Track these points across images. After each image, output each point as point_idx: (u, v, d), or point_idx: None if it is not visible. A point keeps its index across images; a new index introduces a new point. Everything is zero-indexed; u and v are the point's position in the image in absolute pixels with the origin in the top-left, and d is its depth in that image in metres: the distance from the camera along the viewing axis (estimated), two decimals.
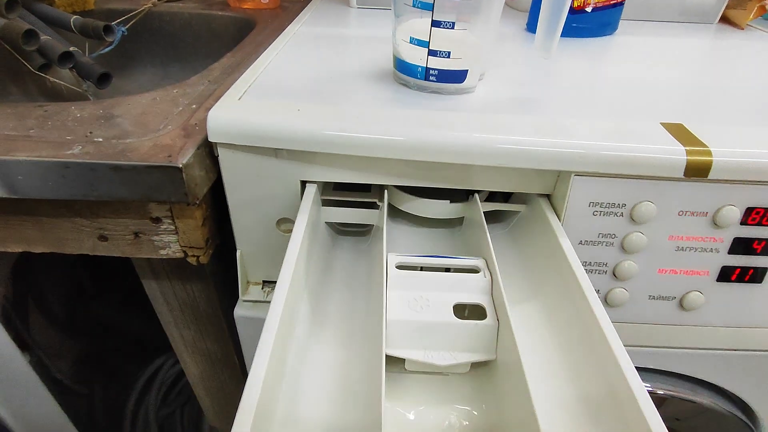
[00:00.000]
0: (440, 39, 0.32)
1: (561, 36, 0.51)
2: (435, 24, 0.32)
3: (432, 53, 0.33)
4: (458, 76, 0.34)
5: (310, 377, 0.26)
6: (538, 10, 0.55)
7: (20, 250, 0.36)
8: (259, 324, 0.39)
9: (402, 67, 0.35)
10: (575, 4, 0.51)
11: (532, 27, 0.54)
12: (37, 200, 0.32)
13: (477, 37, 0.33)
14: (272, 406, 0.23)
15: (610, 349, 0.23)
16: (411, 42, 0.33)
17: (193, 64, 0.74)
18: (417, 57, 0.34)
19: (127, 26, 0.65)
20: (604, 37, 0.53)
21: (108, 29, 0.61)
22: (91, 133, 0.33)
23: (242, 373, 0.50)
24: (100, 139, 0.32)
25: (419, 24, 0.32)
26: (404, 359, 0.26)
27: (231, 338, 0.47)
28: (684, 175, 0.30)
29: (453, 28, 0.32)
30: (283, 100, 0.33)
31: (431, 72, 0.34)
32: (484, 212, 0.32)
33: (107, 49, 0.63)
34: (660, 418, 0.20)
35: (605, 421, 0.22)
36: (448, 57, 0.33)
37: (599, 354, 0.23)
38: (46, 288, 0.84)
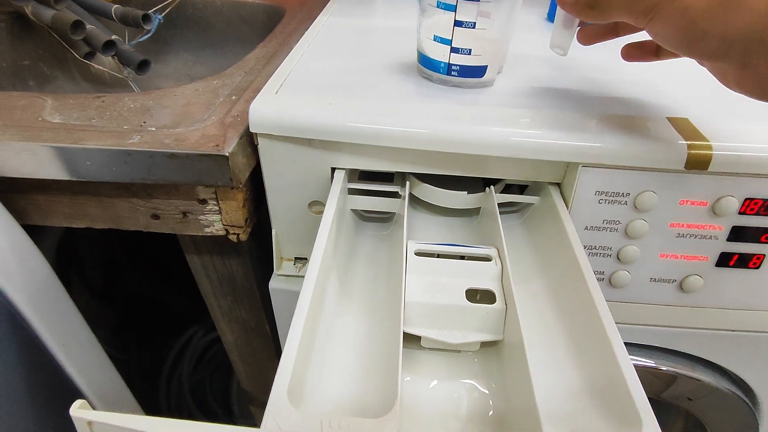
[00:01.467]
0: (462, 37, 0.35)
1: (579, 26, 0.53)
2: (457, 24, 0.34)
3: (454, 50, 0.35)
4: (478, 71, 0.37)
5: (335, 347, 0.29)
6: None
7: (83, 226, 0.40)
8: (290, 296, 0.43)
9: (425, 62, 0.38)
10: None
11: (552, 16, 0.56)
12: (100, 182, 0.37)
13: (497, 35, 0.35)
14: (304, 373, 0.26)
15: (603, 327, 0.26)
16: (435, 40, 0.36)
17: (224, 50, 0.78)
18: (440, 53, 0.36)
19: (162, 14, 0.69)
20: None
21: (146, 18, 0.64)
22: (144, 122, 0.37)
23: (273, 341, 0.54)
24: (153, 129, 0.36)
25: (443, 21, 0.35)
26: (420, 337, 0.29)
27: (264, 309, 0.51)
28: (685, 168, 0.32)
29: (474, 27, 0.34)
30: (315, 93, 0.36)
31: (453, 68, 0.36)
32: (500, 203, 0.35)
33: (145, 37, 0.67)
34: (645, 396, 0.22)
35: (601, 400, 0.25)
36: (470, 54, 0.35)
37: (595, 331, 0.26)
38: (87, 261, 0.91)
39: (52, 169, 0.34)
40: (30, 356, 0.38)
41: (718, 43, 0.24)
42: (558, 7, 0.35)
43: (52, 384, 0.41)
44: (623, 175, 0.33)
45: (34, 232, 0.40)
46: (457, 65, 0.36)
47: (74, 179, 0.35)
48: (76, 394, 0.44)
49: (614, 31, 0.35)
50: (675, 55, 0.31)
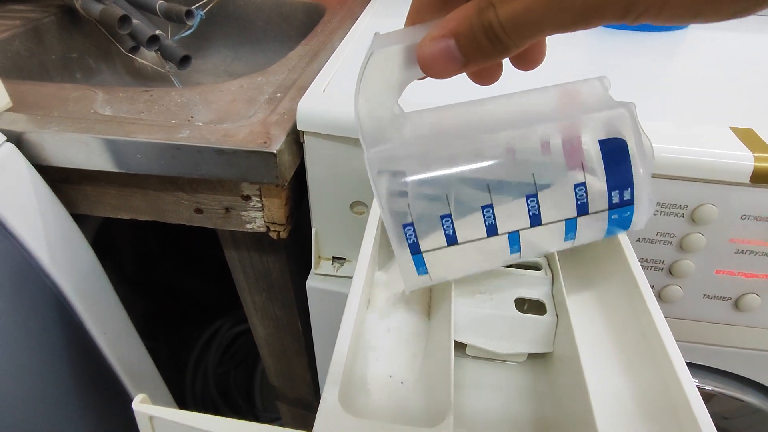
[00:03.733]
0: None
1: (630, 30, 0.51)
2: None
3: None
4: None
5: (382, 353, 0.28)
6: None
7: (129, 218, 0.41)
8: (327, 295, 0.43)
9: None
10: None
11: None
12: (147, 175, 0.37)
13: None
14: (350, 377, 0.26)
15: (664, 347, 0.24)
16: None
17: (262, 47, 0.78)
18: None
19: (204, 10, 0.70)
20: (675, 32, 0.52)
21: (189, 13, 0.65)
22: (192, 117, 0.37)
23: (305, 338, 0.54)
24: (200, 124, 0.36)
25: None
26: (465, 344, 0.28)
27: (297, 306, 0.51)
28: (750, 181, 0.31)
29: None
30: None
31: None
32: None
33: (187, 32, 0.68)
34: (710, 419, 0.22)
35: (658, 418, 0.24)
36: None
37: (653, 350, 0.25)
38: (122, 249, 0.93)
39: (102, 161, 0.35)
40: (75, 342, 0.39)
41: None
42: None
43: (93, 369, 0.42)
44: (682, 186, 0.32)
45: (77, 220, 0.41)
46: None
47: (123, 171, 0.35)
48: (115, 380, 0.45)
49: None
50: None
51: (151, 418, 0.17)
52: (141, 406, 0.17)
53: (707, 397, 0.44)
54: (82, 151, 0.35)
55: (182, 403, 0.99)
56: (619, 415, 0.24)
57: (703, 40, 0.50)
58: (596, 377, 0.26)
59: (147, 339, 0.96)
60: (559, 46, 0.47)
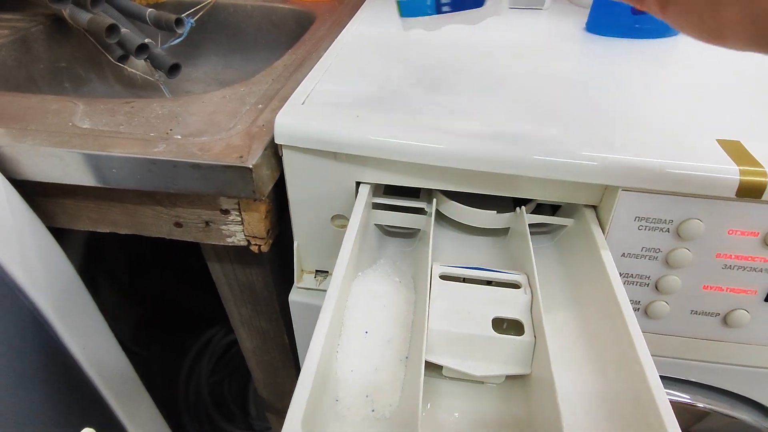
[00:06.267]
0: None
1: (622, 37, 0.51)
2: None
3: None
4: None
5: (354, 373, 0.28)
6: (600, 9, 0.54)
7: (108, 231, 0.40)
8: (310, 309, 0.42)
9: (408, 8, 0.31)
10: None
11: (592, 27, 0.54)
12: (125, 189, 0.36)
13: None
14: (320, 397, 0.25)
15: (641, 366, 0.24)
16: None
17: (252, 55, 0.78)
18: None
19: (195, 18, 0.69)
20: (667, 39, 0.52)
21: (179, 21, 0.65)
22: (171, 130, 0.36)
23: (291, 352, 0.54)
24: (179, 137, 0.36)
25: None
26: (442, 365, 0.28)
27: (282, 319, 0.50)
28: (736, 195, 0.30)
29: None
30: (342, 105, 0.35)
31: (443, 2, 0.30)
32: (530, 224, 0.33)
33: (177, 41, 0.68)
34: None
35: None
36: None
37: (630, 370, 0.25)
38: (113, 260, 0.92)
39: (79, 175, 0.34)
40: (51, 359, 0.38)
41: None
42: None
43: (72, 386, 0.41)
44: (667, 200, 0.31)
45: (63, 230, 0.41)
46: None
47: (99, 186, 0.35)
48: (95, 395, 0.44)
49: None
50: None
51: None
52: None
53: (701, 415, 0.43)
54: (58, 165, 0.34)
55: (175, 412, 0.98)
56: None
57: (695, 47, 0.49)
58: (570, 399, 0.25)
59: (140, 347, 0.95)
60: (546, 51, 0.47)
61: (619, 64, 0.44)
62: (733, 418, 0.43)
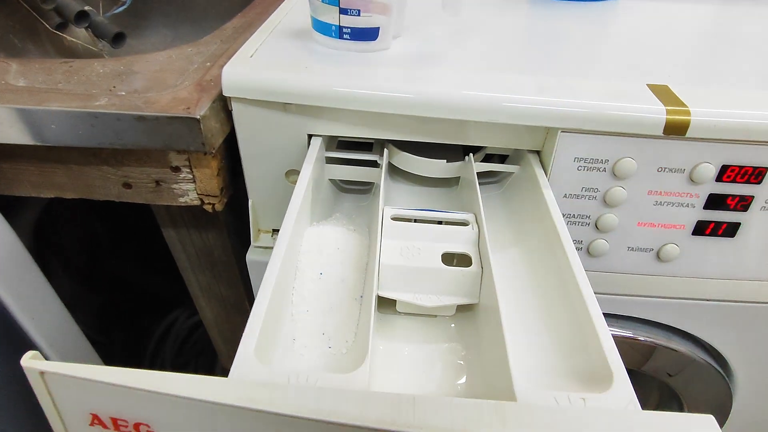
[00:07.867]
0: None
1: (568, 0, 0.53)
2: None
3: (343, 11, 0.34)
4: (370, 34, 0.35)
5: (307, 314, 0.28)
6: None
7: (52, 196, 0.39)
8: None
9: (318, 26, 0.36)
10: None
11: None
12: (68, 149, 0.35)
13: None
14: (273, 336, 0.26)
15: (579, 290, 0.25)
16: (323, 1, 0.34)
17: (203, 25, 0.75)
18: (330, 16, 0.35)
19: None
20: (608, 1, 0.54)
21: None
22: (114, 87, 0.35)
23: None
24: (123, 93, 0.35)
25: None
26: (396, 303, 0.29)
27: (243, 285, 0.50)
28: (663, 133, 0.32)
29: None
30: (291, 58, 0.35)
31: (344, 30, 0.35)
32: (480, 173, 0.34)
33: (120, 9, 0.65)
34: (619, 356, 0.23)
35: (573, 360, 0.25)
36: (359, 15, 0.34)
37: (572, 299, 0.26)
38: (67, 244, 0.89)
39: (14, 133, 0.33)
40: (8, 345, 0.37)
41: None
42: None
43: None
44: (602, 141, 0.33)
45: (9, 210, 0.39)
46: (348, 27, 0.35)
47: (39, 144, 0.34)
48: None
49: None
50: None
51: (42, 373, 0.16)
52: (30, 362, 0.16)
53: (649, 351, 0.46)
54: None
55: None
56: (536, 358, 0.25)
57: (636, 7, 0.51)
58: (516, 324, 0.27)
59: (100, 334, 0.92)
60: (495, 18, 0.48)
61: (564, 23, 0.46)
62: (674, 351, 0.46)
